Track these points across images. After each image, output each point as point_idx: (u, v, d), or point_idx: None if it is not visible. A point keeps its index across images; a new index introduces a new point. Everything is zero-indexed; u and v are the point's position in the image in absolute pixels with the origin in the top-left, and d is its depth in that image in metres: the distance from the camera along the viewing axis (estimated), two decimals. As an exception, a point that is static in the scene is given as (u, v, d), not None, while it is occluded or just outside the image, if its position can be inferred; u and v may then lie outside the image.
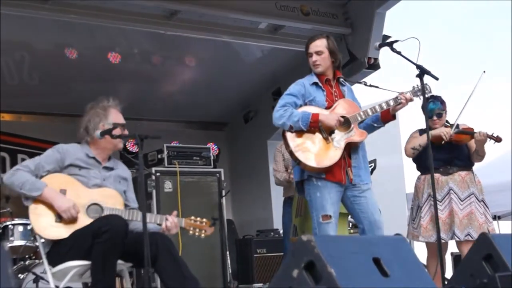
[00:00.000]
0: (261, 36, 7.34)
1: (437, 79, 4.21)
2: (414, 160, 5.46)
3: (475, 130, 5.26)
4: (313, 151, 4.28)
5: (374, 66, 7.47)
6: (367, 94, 4.75)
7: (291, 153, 4.32)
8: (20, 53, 7.10)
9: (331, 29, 7.49)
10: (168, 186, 6.40)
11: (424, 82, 4.38)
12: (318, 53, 4.45)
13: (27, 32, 6.65)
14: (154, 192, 6.32)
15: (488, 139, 5.21)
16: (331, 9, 7.48)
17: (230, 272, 6.60)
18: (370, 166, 8.25)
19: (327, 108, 4.39)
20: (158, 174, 6.38)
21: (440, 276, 3.99)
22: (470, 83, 15.68)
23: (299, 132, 4.30)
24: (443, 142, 5.20)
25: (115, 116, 4.11)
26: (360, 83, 4.79)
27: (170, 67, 7.87)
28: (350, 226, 6.85)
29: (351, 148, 4.39)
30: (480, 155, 5.34)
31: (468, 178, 5.29)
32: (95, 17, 6.35)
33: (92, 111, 4.12)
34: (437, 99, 5.38)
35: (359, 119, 4.38)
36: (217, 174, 6.77)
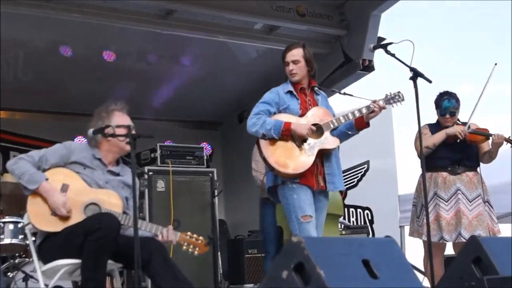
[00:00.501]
0: (256, 36, 7.32)
1: (430, 81, 4.21)
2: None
3: (490, 132, 5.26)
4: (286, 158, 4.35)
5: (368, 68, 7.45)
6: (344, 102, 4.83)
7: (264, 159, 4.39)
8: (14, 51, 7.07)
9: (326, 30, 7.51)
10: (160, 185, 6.41)
11: (397, 90, 4.52)
12: (295, 62, 4.53)
13: (22, 30, 6.63)
14: (146, 191, 6.32)
15: (505, 143, 5.21)
16: (327, 10, 7.45)
17: (221, 272, 6.60)
18: (363, 168, 8.32)
19: (301, 116, 4.46)
20: (150, 173, 6.39)
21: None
22: (469, 83, 15.73)
23: (273, 140, 4.38)
24: (458, 140, 5.19)
25: (119, 119, 4.12)
26: (334, 91, 4.84)
27: (165, 66, 7.84)
28: (342, 227, 6.86)
29: (324, 155, 4.45)
30: (492, 157, 5.33)
31: (476, 179, 5.28)
32: (90, 15, 6.31)
33: (97, 115, 4.16)
34: (452, 97, 5.34)
35: (332, 126, 4.44)
36: (210, 174, 6.77)
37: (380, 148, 7.94)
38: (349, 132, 4.56)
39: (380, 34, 7.28)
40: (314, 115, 4.48)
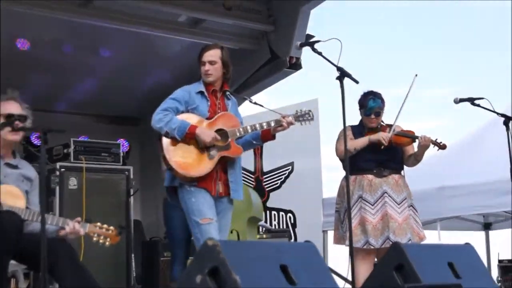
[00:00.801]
0: (180, 29, 7.20)
1: (357, 82, 4.16)
2: (343, 161, 5.30)
3: (416, 134, 5.21)
4: (186, 160, 4.35)
5: (296, 65, 7.42)
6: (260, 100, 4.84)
7: (164, 158, 4.36)
8: None
9: (253, 25, 7.43)
10: (73, 182, 6.29)
11: (309, 109, 4.62)
12: (211, 62, 4.53)
13: None
14: (57, 188, 6.19)
15: (432, 145, 5.17)
16: (255, 5, 7.36)
17: (135, 275, 6.51)
18: (287, 169, 8.26)
19: (208, 118, 4.49)
20: (62, 169, 6.26)
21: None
22: (400, 87, 16.05)
23: (176, 139, 4.37)
24: (382, 147, 5.12)
25: (5, 108, 3.98)
26: (246, 99, 4.96)
27: (83, 58, 7.61)
28: (263, 230, 6.77)
29: (227, 162, 4.50)
30: (418, 160, 5.30)
31: (401, 182, 5.24)
32: (2, 0, 6.01)
33: None
34: (377, 97, 5.30)
35: (238, 134, 4.50)
36: (126, 172, 6.69)
37: (306, 150, 7.88)
38: (254, 142, 4.66)
39: (312, 32, 7.23)
40: (222, 120, 4.50)
